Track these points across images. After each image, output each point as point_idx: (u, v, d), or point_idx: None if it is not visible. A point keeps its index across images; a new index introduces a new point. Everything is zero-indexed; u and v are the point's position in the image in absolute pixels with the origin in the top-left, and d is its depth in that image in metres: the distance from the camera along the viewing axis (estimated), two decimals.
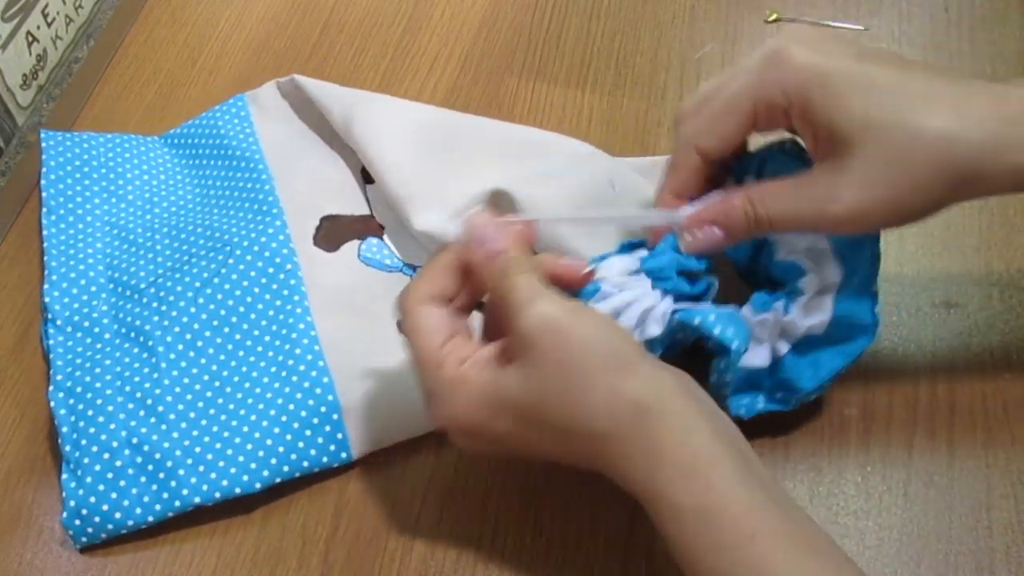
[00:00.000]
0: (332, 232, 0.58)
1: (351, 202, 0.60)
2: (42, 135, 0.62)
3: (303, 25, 0.71)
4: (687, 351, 0.47)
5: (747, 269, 0.51)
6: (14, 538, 0.49)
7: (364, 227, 0.59)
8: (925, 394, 0.52)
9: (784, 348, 0.47)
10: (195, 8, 0.73)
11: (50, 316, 0.54)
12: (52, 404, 0.50)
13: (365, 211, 0.59)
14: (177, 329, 0.53)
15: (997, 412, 0.51)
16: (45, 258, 0.56)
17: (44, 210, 0.58)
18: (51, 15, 0.66)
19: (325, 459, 0.50)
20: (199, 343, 0.52)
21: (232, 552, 0.49)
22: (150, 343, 0.52)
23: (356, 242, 0.58)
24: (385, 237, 0.58)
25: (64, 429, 0.50)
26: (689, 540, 0.38)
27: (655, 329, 0.46)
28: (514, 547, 0.48)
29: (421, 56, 0.69)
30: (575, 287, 0.45)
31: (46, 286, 0.55)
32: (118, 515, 0.48)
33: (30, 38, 0.64)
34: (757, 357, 0.47)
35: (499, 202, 0.54)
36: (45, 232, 0.57)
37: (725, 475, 0.39)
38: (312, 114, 0.63)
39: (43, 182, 0.59)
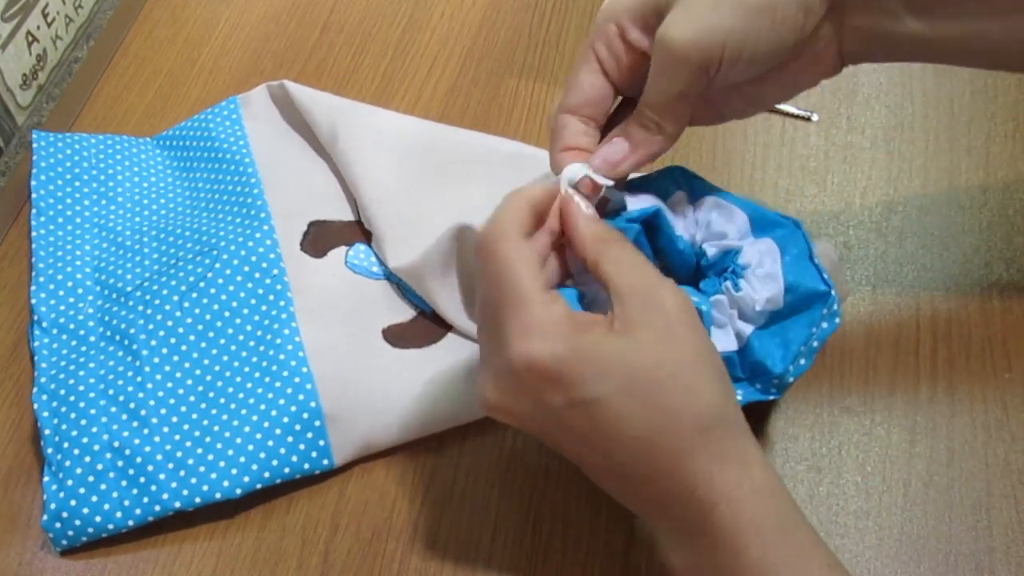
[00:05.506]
0: (319, 238, 0.57)
1: (339, 207, 0.59)
2: (33, 136, 0.62)
3: (303, 25, 0.71)
4: None
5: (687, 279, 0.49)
6: (13, 538, 0.49)
7: (352, 233, 0.58)
8: (925, 394, 0.52)
9: (747, 329, 0.46)
10: (195, 8, 0.73)
11: (36, 318, 0.54)
12: (36, 406, 0.50)
13: (353, 217, 0.59)
14: (162, 333, 0.53)
15: (997, 412, 0.51)
16: (33, 259, 0.57)
17: (33, 211, 0.58)
18: (51, 15, 0.66)
19: (307, 465, 0.50)
20: (183, 347, 0.52)
21: (232, 552, 0.49)
22: (135, 347, 0.52)
23: (343, 248, 0.57)
24: (373, 244, 0.58)
25: (47, 431, 0.50)
26: (772, 554, 0.38)
27: None
28: (514, 547, 0.48)
29: (421, 56, 0.69)
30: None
31: (33, 287, 0.55)
32: (98, 519, 0.48)
33: (30, 38, 0.64)
34: (722, 341, 0.46)
35: None
36: (34, 233, 0.57)
37: (796, 506, 0.40)
38: (301, 119, 0.62)
39: (33, 183, 0.59)
